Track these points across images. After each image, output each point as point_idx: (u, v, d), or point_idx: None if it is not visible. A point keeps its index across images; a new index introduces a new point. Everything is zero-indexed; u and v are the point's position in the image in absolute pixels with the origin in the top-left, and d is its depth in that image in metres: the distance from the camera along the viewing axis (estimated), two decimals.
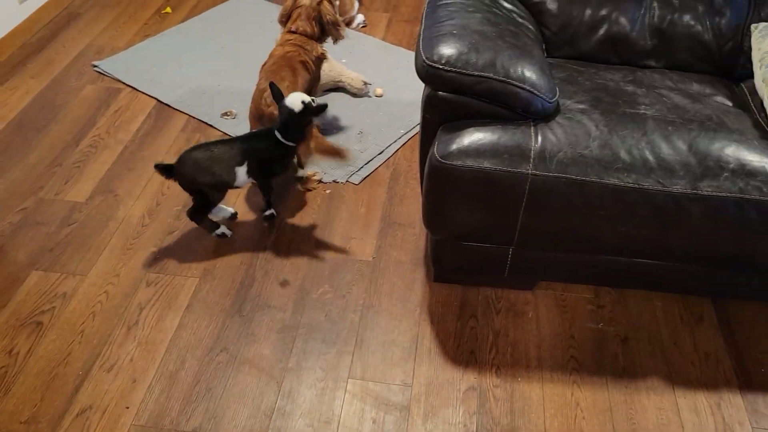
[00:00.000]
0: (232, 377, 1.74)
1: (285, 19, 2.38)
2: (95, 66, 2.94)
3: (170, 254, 2.08)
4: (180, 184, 2.01)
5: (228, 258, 2.08)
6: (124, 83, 2.84)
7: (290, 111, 1.96)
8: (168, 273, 2.02)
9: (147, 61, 2.97)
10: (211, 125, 2.62)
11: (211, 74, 2.90)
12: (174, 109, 2.70)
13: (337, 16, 2.40)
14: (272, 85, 2.00)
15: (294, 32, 2.32)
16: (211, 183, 1.99)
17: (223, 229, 2.13)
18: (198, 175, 1.98)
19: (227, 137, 2.07)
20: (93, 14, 3.35)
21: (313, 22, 2.32)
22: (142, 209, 2.24)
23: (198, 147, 1.99)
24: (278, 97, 1.99)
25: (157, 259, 2.06)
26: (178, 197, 2.28)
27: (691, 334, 1.88)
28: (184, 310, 1.91)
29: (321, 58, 2.38)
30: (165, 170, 1.96)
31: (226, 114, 2.66)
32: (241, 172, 2.00)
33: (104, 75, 2.90)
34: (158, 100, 2.74)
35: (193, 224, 2.16)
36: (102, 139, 2.54)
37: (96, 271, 2.02)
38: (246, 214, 2.24)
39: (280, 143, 2.00)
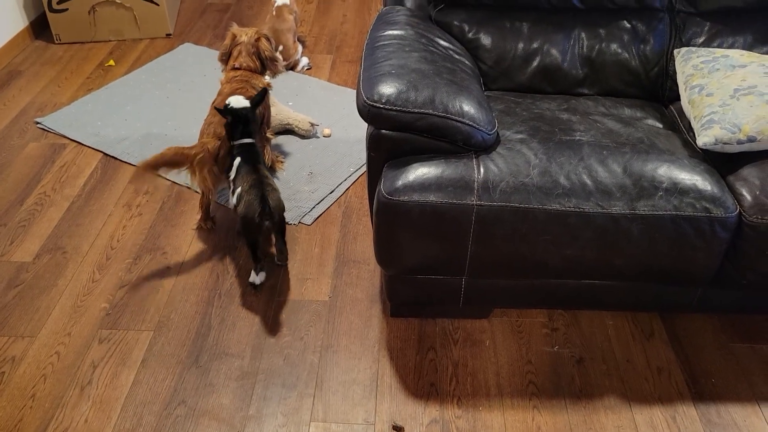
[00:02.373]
0: (191, 431, 1.71)
1: (226, 57, 2.47)
2: (38, 123, 2.91)
3: (123, 309, 2.05)
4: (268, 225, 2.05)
5: (182, 308, 2.05)
6: (68, 138, 2.81)
7: (244, 107, 2.15)
8: (121, 328, 1.98)
9: (91, 115, 2.95)
10: (159, 175, 2.60)
11: (157, 124, 2.89)
12: (121, 161, 2.68)
13: (274, 52, 2.50)
14: (218, 109, 2.13)
15: (238, 68, 2.40)
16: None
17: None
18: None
19: (247, 170, 2.10)
20: (34, 71, 3.32)
21: (254, 57, 2.43)
22: (92, 265, 2.20)
23: (255, 186, 2.03)
24: (225, 112, 2.13)
25: (109, 314, 2.03)
26: (129, 250, 2.26)
27: (643, 350, 1.93)
28: (139, 365, 1.87)
29: (267, 89, 2.44)
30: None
31: None
32: None
33: (48, 131, 2.86)
34: (104, 153, 2.72)
35: (145, 276, 2.13)
36: (48, 196, 2.50)
37: (46, 332, 1.97)
38: (197, 261, 2.22)
39: (255, 145, 2.18)
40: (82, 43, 3.58)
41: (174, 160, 2.11)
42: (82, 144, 2.78)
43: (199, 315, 2.03)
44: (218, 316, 2.03)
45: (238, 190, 2.05)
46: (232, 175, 2.11)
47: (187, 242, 2.29)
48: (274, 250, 2.23)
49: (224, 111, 2.14)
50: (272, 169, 2.60)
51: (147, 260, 2.22)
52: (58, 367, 1.86)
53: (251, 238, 2.05)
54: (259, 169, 2.09)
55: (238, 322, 2.01)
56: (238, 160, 2.11)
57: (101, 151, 2.73)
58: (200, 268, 2.20)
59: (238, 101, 2.16)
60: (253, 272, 2.11)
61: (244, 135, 2.16)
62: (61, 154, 2.73)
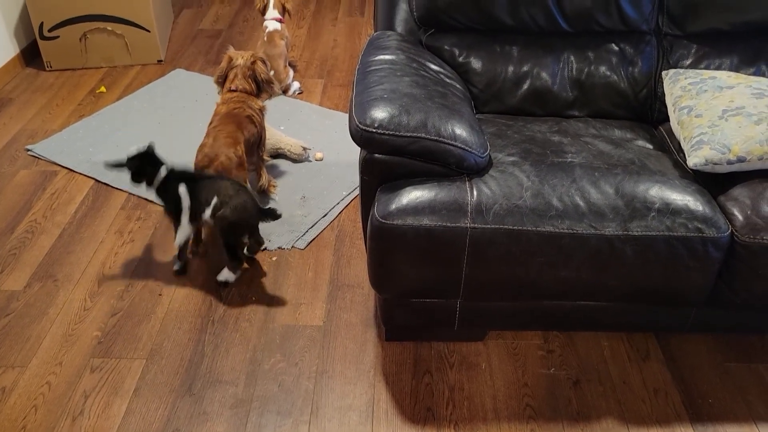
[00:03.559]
0: None
1: (222, 79, 2.49)
2: (29, 150, 2.90)
3: (115, 337, 2.03)
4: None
5: (175, 335, 2.03)
6: (59, 165, 2.80)
7: (138, 149, 2.15)
8: (113, 357, 1.96)
9: (83, 142, 2.95)
10: (151, 201, 2.60)
11: None
12: (112, 187, 2.68)
13: (270, 74, 2.53)
14: (116, 165, 2.14)
15: (234, 90, 2.42)
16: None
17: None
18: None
19: (207, 183, 2.13)
20: (25, 98, 3.32)
21: (250, 80, 2.45)
22: (83, 293, 2.18)
23: (238, 190, 2.07)
24: (130, 162, 2.14)
25: (101, 343, 2.01)
26: (121, 277, 2.24)
27: (639, 371, 1.92)
28: (132, 395, 1.85)
29: (263, 111, 2.51)
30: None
31: None
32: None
33: (39, 158, 2.86)
34: (96, 180, 2.72)
35: (137, 303, 2.12)
36: (39, 224, 2.49)
37: (37, 362, 1.94)
38: (190, 288, 2.21)
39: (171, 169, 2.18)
40: (73, 69, 3.59)
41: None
42: (74, 171, 2.77)
43: (192, 342, 2.01)
44: (211, 343, 2.01)
45: (214, 200, 2.06)
46: (185, 201, 2.11)
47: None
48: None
49: (128, 162, 2.13)
50: (265, 193, 2.60)
51: (139, 287, 2.21)
52: (50, 398, 1.84)
53: (238, 240, 2.12)
54: (214, 175, 2.12)
55: (231, 349, 1.99)
56: (182, 187, 2.11)
57: (93, 178, 2.72)
58: (193, 294, 2.18)
59: (129, 151, 2.15)
60: (227, 270, 2.16)
61: (159, 165, 2.14)
62: (52, 181, 2.72)
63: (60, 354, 1.97)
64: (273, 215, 2.09)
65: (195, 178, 2.13)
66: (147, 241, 2.41)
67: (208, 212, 2.08)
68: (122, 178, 2.71)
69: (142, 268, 2.29)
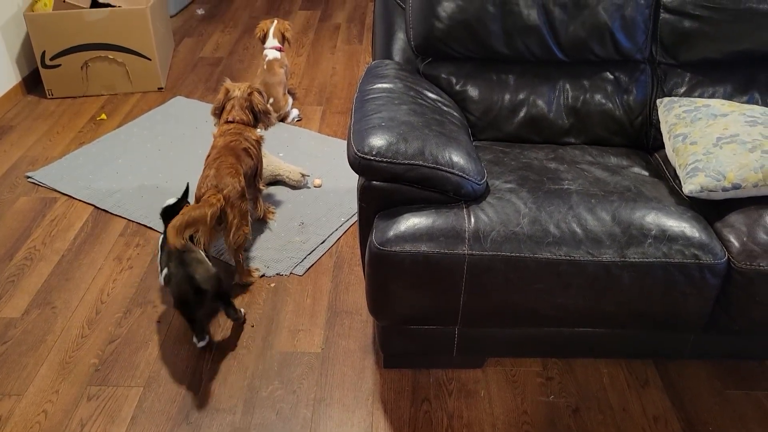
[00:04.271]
0: None
1: (219, 111, 2.50)
2: (29, 177, 2.91)
3: (112, 364, 2.02)
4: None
5: (173, 363, 2.02)
6: (59, 192, 2.82)
7: (168, 205, 2.17)
8: (110, 384, 1.95)
9: (83, 169, 2.96)
10: (150, 227, 2.60)
11: (148, 177, 2.91)
12: (112, 214, 2.69)
13: (267, 105, 2.55)
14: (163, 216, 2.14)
15: (231, 122, 2.43)
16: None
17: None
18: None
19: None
20: (26, 126, 3.35)
21: (247, 111, 2.47)
22: (81, 320, 2.18)
23: (179, 264, 1.96)
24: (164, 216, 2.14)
25: (98, 370, 2.00)
26: (120, 304, 2.24)
27: (639, 398, 1.92)
28: (129, 423, 1.83)
29: (260, 142, 2.51)
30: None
31: None
32: None
33: (39, 185, 2.87)
34: (95, 207, 2.73)
35: (135, 330, 2.11)
36: (37, 251, 2.49)
37: (33, 390, 1.93)
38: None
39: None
40: (74, 97, 3.62)
41: (189, 223, 2.10)
42: (73, 197, 2.78)
43: (189, 369, 2.00)
44: (209, 371, 2.00)
45: (165, 270, 2.01)
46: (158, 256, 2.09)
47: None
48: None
49: (164, 216, 2.15)
50: (263, 221, 2.61)
51: (137, 314, 2.20)
52: (46, 427, 1.82)
53: (188, 316, 2.00)
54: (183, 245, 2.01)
55: (229, 377, 1.98)
56: (161, 238, 2.08)
57: (92, 205, 2.74)
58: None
59: (167, 202, 2.19)
60: (195, 337, 2.06)
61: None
62: (51, 207, 2.73)
63: (57, 382, 1.96)
64: (204, 295, 1.95)
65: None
66: (146, 267, 2.41)
67: (161, 278, 2.05)
68: (122, 205, 2.72)
69: (141, 294, 2.29)
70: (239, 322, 2.16)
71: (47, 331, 2.14)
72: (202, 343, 2.06)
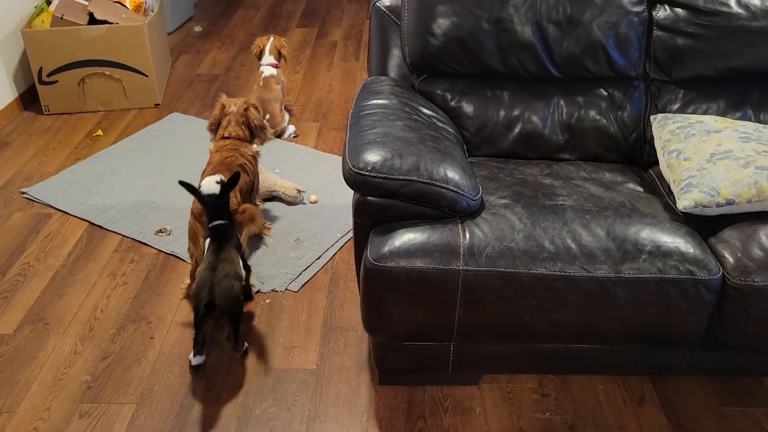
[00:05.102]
0: None
1: (215, 127, 2.51)
2: (24, 193, 2.91)
3: (105, 381, 2.00)
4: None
5: (166, 380, 2.01)
6: (54, 208, 2.81)
7: (212, 195, 2.10)
8: (102, 401, 1.93)
9: (78, 184, 2.96)
10: (145, 243, 2.60)
11: (144, 193, 2.90)
12: (106, 230, 2.68)
13: (263, 120, 2.56)
14: (188, 188, 2.06)
15: (227, 137, 2.43)
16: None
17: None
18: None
19: (211, 250, 2.04)
20: (21, 142, 3.35)
21: (243, 126, 2.47)
22: (74, 336, 2.17)
23: (208, 269, 1.95)
24: (194, 190, 2.08)
25: (90, 387, 1.98)
26: (113, 320, 2.23)
27: (635, 415, 1.90)
28: None
29: (256, 157, 2.51)
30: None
31: (160, 231, 2.65)
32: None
33: (33, 201, 2.86)
34: (90, 222, 2.72)
35: (128, 347, 2.10)
36: (31, 267, 2.48)
37: (25, 407, 1.91)
38: (183, 331, 2.19)
39: (228, 225, 2.11)
40: (70, 113, 3.63)
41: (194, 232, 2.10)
42: (68, 213, 2.77)
43: (183, 386, 1.99)
44: (203, 387, 1.98)
45: (199, 268, 2.01)
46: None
47: (173, 311, 2.27)
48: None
49: (198, 195, 2.10)
50: (259, 236, 2.60)
51: (131, 330, 2.19)
52: None
53: (196, 321, 1.98)
54: (222, 250, 2.00)
55: (222, 393, 1.96)
56: (207, 241, 2.07)
57: (87, 220, 2.73)
58: (185, 337, 2.16)
59: (209, 186, 2.10)
60: (192, 352, 2.04)
61: (216, 217, 2.10)
62: (46, 223, 2.72)
63: (49, 399, 1.94)
64: (213, 309, 1.92)
65: (218, 238, 2.06)
66: (140, 283, 2.40)
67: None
68: (116, 221, 2.72)
69: (135, 311, 2.27)
70: (237, 353, 2.09)
71: (40, 347, 2.12)
72: (198, 360, 2.03)
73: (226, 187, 2.12)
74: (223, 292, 1.91)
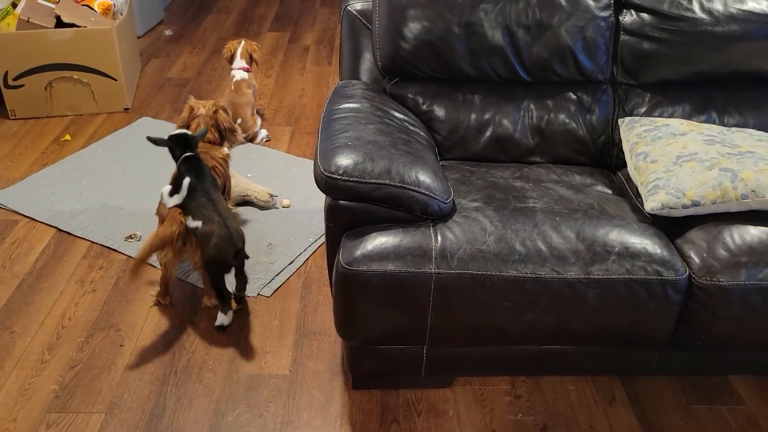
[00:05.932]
0: None
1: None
2: None
3: (73, 390, 1.97)
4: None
5: (136, 387, 1.98)
6: (20, 214, 2.75)
7: (182, 132, 2.22)
8: (71, 411, 1.90)
9: (45, 190, 2.91)
10: (115, 249, 2.56)
11: (113, 198, 2.86)
12: (75, 236, 2.63)
13: (233, 122, 2.54)
14: (151, 138, 2.16)
15: None
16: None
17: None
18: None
19: (202, 202, 2.11)
20: None
21: (213, 129, 2.46)
22: (41, 345, 2.12)
23: (219, 224, 2.05)
24: (161, 139, 2.18)
25: (58, 397, 1.94)
26: (81, 328, 2.19)
27: (606, 415, 1.93)
28: None
29: (227, 160, 2.49)
30: None
31: (130, 237, 2.61)
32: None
33: None
34: (58, 229, 2.67)
35: (97, 355, 2.07)
36: None
37: None
38: (153, 338, 2.16)
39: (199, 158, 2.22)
40: (37, 118, 3.56)
41: (159, 246, 2.08)
42: (35, 219, 2.72)
43: (153, 394, 1.96)
44: (174, 395, 1.96)
45: (198, 224, 2.05)
46: (182, 195, 2.11)
47: (143, 318, 2.24)
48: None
49: (162, 140, 2.18)
50: None
51: (100, 338, 2.16)
52: None
53: (220, 277, 2.08)
54: (213, 197, 2.10)
55: (194, 401, 1.94)
56: (186, 180, 2.12)
57: (54, 227, 2.68)
58: (155, 344, 2.14)
59: (177, 131, 2.23)
60: (220, 314, 2.14)
61: (186, 148, 2.20)
62: (12, 230, 2.66)
63: (15, 410, 1.90)
64: (242, 255, 2.11)
65: (200, 178, 2.14)
66: (109, 290, 2.36)
67: (192, 223, 2.08)
68: (85, 227, 2.67)
69: (104, 318, 2.24)
70: (241, 295, 2.22)
71: (5, 356, 2.08)
72: (229, 318, 2.16)
73: (199, 134, 2.25)
74: (242, 239, 2.09)
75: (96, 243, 2.60)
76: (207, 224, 2.05)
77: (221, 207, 2.10)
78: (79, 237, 2.63)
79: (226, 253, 2.03)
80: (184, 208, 2.10)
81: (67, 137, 3.38)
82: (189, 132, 2.24)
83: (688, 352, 1.89)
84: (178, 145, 2.20)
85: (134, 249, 2.55)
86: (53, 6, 3.50)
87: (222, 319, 2.15)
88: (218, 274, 2.08)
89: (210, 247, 2.03)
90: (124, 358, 2.08)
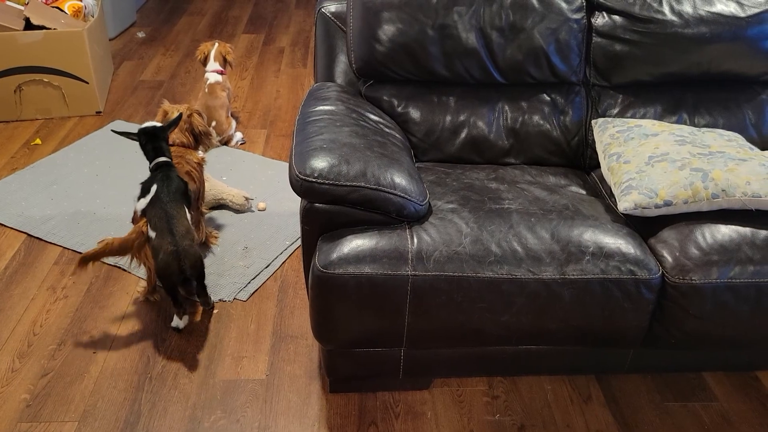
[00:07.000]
0: None
1: None
2: None
3: (45, 399, 1.93)
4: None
5: (110, 395, 1.95)
6: None
7: (153, 126, 2.24)
8: (42, 420, 1.86)
9: (15, 195, 2.85)
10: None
11: (85, 203, 2.82)
12: (46, 242, 2.59)
13: (208, 127, 2.54)
14: (117, 131, 2.21)
15: (171, 145, 2.39)
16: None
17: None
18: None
19: (158, 214, 2.10)
20: None
21: (187, 133, 2.45)
22: (12, 353, 2.08)
23: (168, 238, 2.04)
24: (131, 133, 2.21)
25: (29, 406, 1.90)
26: (53, 335, 2.15)
27: (582, 414, 1.94)
28: None
29: (202, 164, 2.49)
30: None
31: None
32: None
33: None
34: (28, 234, 2.62)
35: (70, 363, 2.03)
36: None
37: None
38: (127, 344, 2.13)
39: (171, 165, 2.24)
40: (6, 122, 3.49)
41: (117, 250, 2.08)
42: (5, 225, 2.67)
43: (128, 402, 1.93)
44: (148, 402, 1.93)
45: (152, 235, 2.05)
46: (147, 200, 2.12)
47: (116, 325, 2.20)
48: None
49: (132, 133, 2.19)
50: (206, 245, 2.56)
51: (72, 345, 2.12)
52: None
53: (172, 287, 2.08)
54: (172, 211, 2.09)
55: (169, 407, 1.92)
56: (154, 187, 2.13)
57: (25, 233, 2.63)
58: (129, 351, 2.11)
59: (149, 124, 2.24)
60: (176, 317, 2.16)
61: (159, 154, 2.21)
62: None
63: None
64: (185, 272, 2.07)
65: (164, 192, 2.14)
66: (82, 297, 2.32)
67: (151, 233, 2.07)
68: (56, 232, 2.63)
69: (77, 325, 2.20)
70: (208, 308, 2.25)
71: None
72: (185, 321, 2.15)
73: (169, 123, 2.25)
74: (190, 259, 2.05)
75: (68, 249, 2.55)
76: (158, 238, 2.05)
77: (177, 223, 2.07)
78: (50, 243, 2.58)
79: (170, 270, 2.03)
80: (146, 215, 2.10)
81: (38, 141, 3.32)
82: (158, 124, 2.24)
83: (662, 350, 1.92)
84: (148, 138, 2.20)
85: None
86: (22, 8, 3.44)
87: (177, 322, 2.16)
88: (168, 284, 2.09)
89: (158, 261, 2.04)
90: (97, 366, 2.05)
